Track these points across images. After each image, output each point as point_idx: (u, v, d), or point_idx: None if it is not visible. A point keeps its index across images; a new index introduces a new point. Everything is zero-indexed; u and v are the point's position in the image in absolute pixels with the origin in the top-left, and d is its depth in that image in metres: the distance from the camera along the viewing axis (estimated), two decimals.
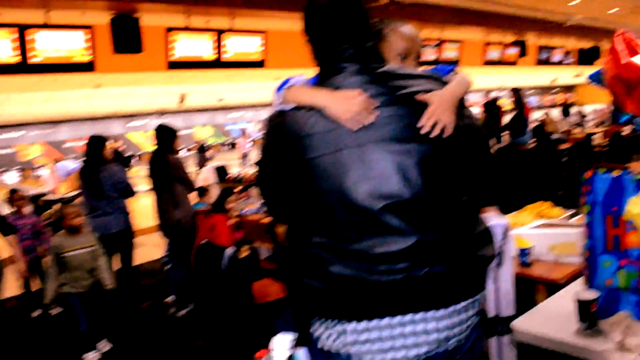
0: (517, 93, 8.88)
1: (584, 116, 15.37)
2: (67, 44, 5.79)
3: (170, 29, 6.52)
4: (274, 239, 3.84)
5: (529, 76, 21.06)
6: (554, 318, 1.67)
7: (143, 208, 5.28)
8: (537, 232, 2.51)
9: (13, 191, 5.05)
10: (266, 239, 3.96)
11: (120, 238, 4.23)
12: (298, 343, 1.79)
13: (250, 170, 8.22)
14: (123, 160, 12.40)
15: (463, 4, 9.05)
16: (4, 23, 5.33)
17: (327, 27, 1.37)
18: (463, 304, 1.29)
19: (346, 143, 1.26)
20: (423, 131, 1.27)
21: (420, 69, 1.50)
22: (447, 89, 1.34)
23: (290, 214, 1.40)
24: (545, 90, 27.14)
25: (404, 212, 1.24)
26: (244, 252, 4.23)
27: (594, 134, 10.46)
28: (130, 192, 4.40)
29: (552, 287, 2.19)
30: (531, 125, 9.03)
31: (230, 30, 7.12)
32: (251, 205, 5.17)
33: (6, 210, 5.14)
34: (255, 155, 14.34)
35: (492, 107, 11.18)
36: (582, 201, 1.69)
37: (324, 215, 1.28)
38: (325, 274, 1.25)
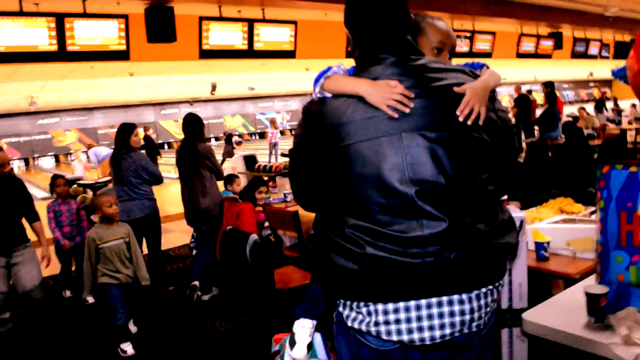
0: (549, 87, 8.71)
1: (620, 112, 14.98)
2: (103, 33, 5.94)
3: (203, 18, 6.61)
4: (298, 228, 3.91)
5: (564, 69, 20.59)
6: (564, 311, 1.68)
7: (173, 195, 5.41)
8: (555, 226, 2.51)
9: (55, 177, 5.05)
10: (290, 227, 4.03)
11: (144, 224, 4.31)
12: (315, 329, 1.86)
13: (279, 160, 8.29)
14: (153, 148, 12.66)
15: None
16: (43, 12, 5.50)
17: (370, 18, 1.44)
18: (484, 289, 1.36)
19: (384, 131, 1.33)
20: (461, 119, 1.35)
21: (454, 63, 1.56)
22: (479, 81, 1.42)
23: (320, 202, 1.45)
24: (581, 84, 26.49)
25: (436, 197, 1.31)
26: (268, 241, 4.32)
27: (629, 130, 10.21)
28: (155, 180, 4.47)
29: (569, 281, 2.20)
30: (564, 120, 8.87)
31: (261, 20, 7.19)
32: (276, 195, 5.26)
33: (41, 195, 5.22)
34: (284, 144, 14.44)
35: (523, 101, 11.04)
36: (597, 196, 1.70)
37: (360, 199, 1.33)
38: (361, 255, 1.31)
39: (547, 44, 11.81)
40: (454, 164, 1.32)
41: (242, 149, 16.05)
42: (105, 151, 10.30)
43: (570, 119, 10.87)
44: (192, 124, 4.54)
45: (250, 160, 8.62)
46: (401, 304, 1.32)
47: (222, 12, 6.72)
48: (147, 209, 4.40)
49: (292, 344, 1.73)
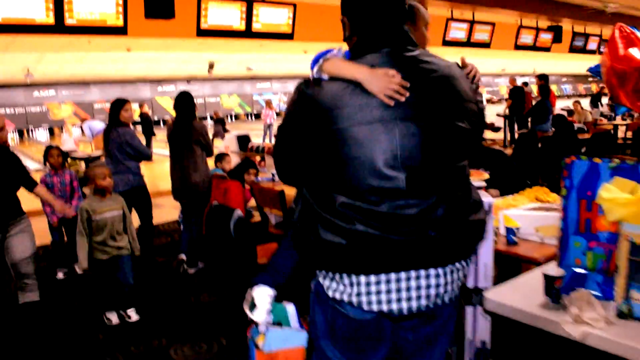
0: (542, 80, 8.77)
1: (614, 107, 15.03)
2: (101, 7, 5.95)
3: None
4: (283, 206, 3.98)
5: (563, 63, 20.59)
6: (524, 292, 1.77)
7: (164, 171, 5.46)
8: (525, 213, 2.61)
9: (49, 147, 4.99)
10: (276, 206, 4.10)
11: (128, 198, 4.24)
12: (282, 299, 1.91)
13: (273, 141, 8.34)
14: (149, 127, 12.63)
15: None
16: None
17: (369, 7, 1.49)
18: (457, 265, 1.49)
19: (379, 117, 1.40)
20: (470, 76, 1.59)
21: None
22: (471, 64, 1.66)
23: (306, 179, 1.51)
24: (579, 78, 26.49)
25: (423, 180, 1.41)
26: (254, 218, 4.40)
27: (621, 126, 10.29)
28: (140, 155, 4.48)
29: (537, 265, 2.29)
30: (556, 113, 8.95)
31: (260, 0, 7.19)
32: (265, 174, 5.33)
33: (34, 166, 5.19)
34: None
35: (518, 93, 11.09)
36: (561, 185, 1.78)
37: (351, 180, 1.41)
38: (351, 231, 1.39)
39: (546, 37, 11.83)
40: (440, 150, 1.43)
41: (236, 128, 16.05)
42: (99, 125, 10.25)
43: (565, 112, 10.94)
44: (185, 102, 4.59)
45: (243, 140, 8.67)
46: (382, 276, 1.42)
47: None
48: (131, 183, 4.42)
49: (252, 307, 1.80)
